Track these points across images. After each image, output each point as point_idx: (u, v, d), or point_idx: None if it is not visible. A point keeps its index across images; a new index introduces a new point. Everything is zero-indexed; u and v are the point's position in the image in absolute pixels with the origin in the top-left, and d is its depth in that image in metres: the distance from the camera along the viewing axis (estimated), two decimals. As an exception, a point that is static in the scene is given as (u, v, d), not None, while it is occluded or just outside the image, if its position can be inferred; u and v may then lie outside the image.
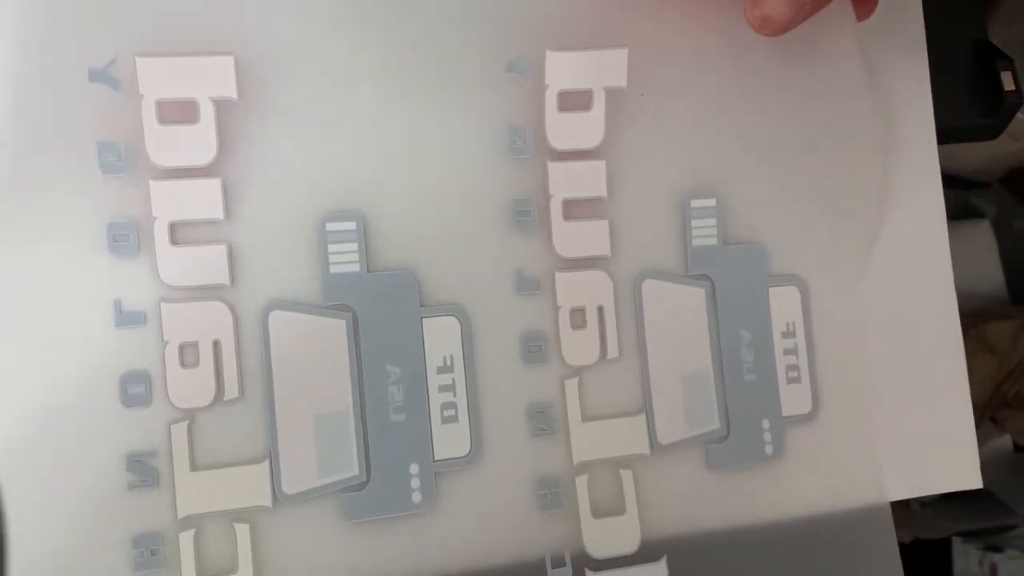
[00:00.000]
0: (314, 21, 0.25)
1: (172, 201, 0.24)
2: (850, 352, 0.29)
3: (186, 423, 0.24)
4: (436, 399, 0.26)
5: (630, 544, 0.27)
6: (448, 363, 0.26)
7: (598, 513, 0.27)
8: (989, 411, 0.52)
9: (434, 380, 0.26)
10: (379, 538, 0.25)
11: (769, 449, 0.28)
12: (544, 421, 0.27)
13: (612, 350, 0.27)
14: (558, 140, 0.27)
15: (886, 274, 0.30)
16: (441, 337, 0.26)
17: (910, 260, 0.30)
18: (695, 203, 0.28)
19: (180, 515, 0.24)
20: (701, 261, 0.28)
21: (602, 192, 0.27)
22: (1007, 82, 0.32)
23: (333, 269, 0.25)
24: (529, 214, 0.27)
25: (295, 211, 0.25)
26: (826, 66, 0.29)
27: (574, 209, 0.27)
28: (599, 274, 0.27)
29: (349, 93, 0.25)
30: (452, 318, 0.26)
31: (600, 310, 0.27)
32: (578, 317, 0.27)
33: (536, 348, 0.27)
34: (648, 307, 0.28)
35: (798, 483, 0.28)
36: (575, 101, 0.27)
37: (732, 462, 0.28)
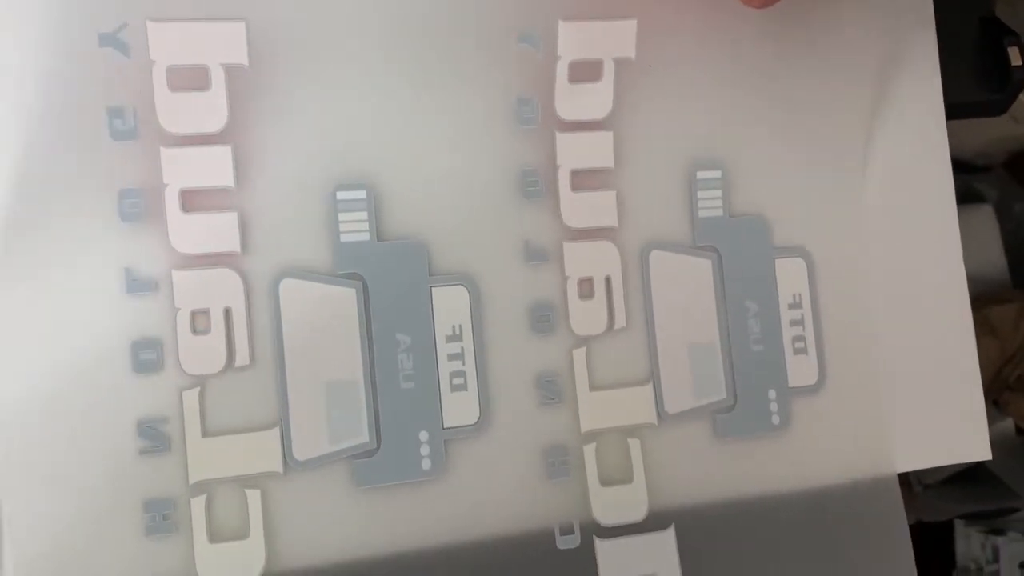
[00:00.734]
0: (324, -10, 0.25)
1: (183, 168, 0.24)
2: (856, 324, 0.29)
3: (197, 389, 0.24)
4: (445, 368, 0.26)
5: (638, 512, 0.27)
6: (457, 332, 0.26)
7: (606, 481, 0.27)
8: (991, 395, 0.52)
9: (443, 349, 0.26)
10: (389, 504, 0.25)
11: (776, 419, 0.28)
12: (552, 390, 0.27)
13: (620, 320, 0.27)
14: (566, 111, 0.27)
15: (895, 246, 0.30)
16: (450, 306, 0.26)
17: (919, 233, 0.30)
18: (701, 175, 0.28)
19: (192, 481, 0.24)
20: (707, 232, 0.28)
21: (610, 163, 0.27)
22: (1014, 57, 0.32)
23: (343, 238, 0.25)
24: (537, 184, 0.27)
25: (306, 179, 0.25)
26: (833, 40, 0.29)
27: (582, 180, 0.27)
28: (607, 244, 0.27)
29: (360, 62, 0.25)
30: (461, 287, 0.26)
31: (608, 280, 0.27)
32: (586, 287, 0.27)
33: (544, 318, 0.27)
34: (655, 278, 0.28)
35: (805, 452, 0.28)
36: (585, 72, 0.27)
37: (739, 432, 0.28)
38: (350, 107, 0.25)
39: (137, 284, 0.24)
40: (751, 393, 0.28)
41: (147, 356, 0.24)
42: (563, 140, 0.27)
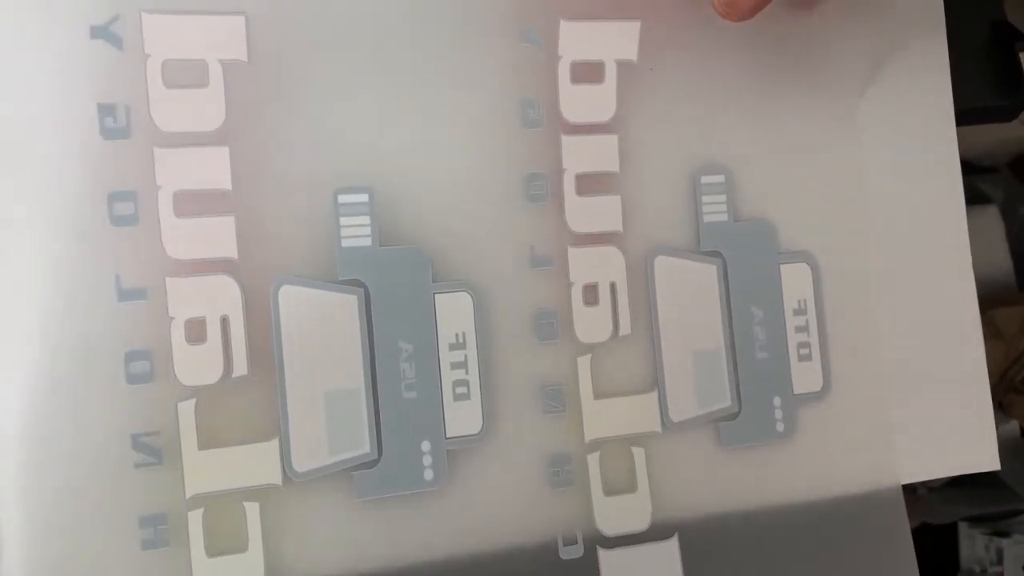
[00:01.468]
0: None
1: (177, 169, 0.23)
2: (862, 330, 0.29)
3: (193, 401, 0.24)
4: (448, 376, 0.25)
5: (642, 522, 0.27)
6: (460, 340, 0.26)
7: (610, 491, 0.26)
8: (996, 397, 0.52)
9: (446, 357, 0.25)
10: (390, 516, 0.25)
11: (780, 427, 0.28)
12: (556, 398, 0.26)
13: (624, 327, 0.27)
14: (571, 113, 0.27)
15: (902, 252, 0.30)
16: (453, 313, 0.26)
17: (927, 239, 0.30)
18: (705, 179, 0.28)
19: (189, 494, 0.23)
20: (712, 237, 0.28)
21: (614, 167, 0.27)
22: (1025, 62, 0.31)
23: (345, 243, 0.25)
24: (543, 188, 0.26)
25: (306, 182, 0.24)
26: (836, 45, 0.29)
27: (587, 184, 0.27)
28: (611, 250, 0.27)
29: (364, 60, 0.25)
30: (464, 294, 0.26)
31: (612, 286, 0.27)
32: (590, 293, 0.27)
33: (548, 325, 0.26)
34: (660, 283, 0.27)
35: (810, 461, 0.28)
36: (587, 73, 0.27)
37: (743, 439, 0.28)
38: (353, 107, 0.25)
39: (128, 292, 0.23)
40: (756, 400, 0.28)
41: (140, 367, 0.23)
42: (568, 143, 0.27)
